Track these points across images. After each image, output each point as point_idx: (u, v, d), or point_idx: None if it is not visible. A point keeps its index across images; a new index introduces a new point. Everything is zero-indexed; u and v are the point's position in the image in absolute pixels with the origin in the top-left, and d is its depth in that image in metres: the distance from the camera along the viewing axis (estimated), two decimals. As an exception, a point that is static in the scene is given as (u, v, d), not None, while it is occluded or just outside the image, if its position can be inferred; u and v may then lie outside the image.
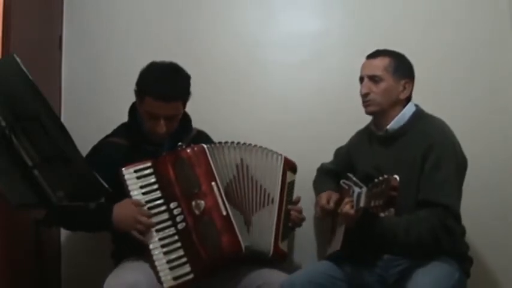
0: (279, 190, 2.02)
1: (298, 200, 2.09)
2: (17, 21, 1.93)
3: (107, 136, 2.02)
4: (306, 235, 2.42)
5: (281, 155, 2.09)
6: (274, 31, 2.50)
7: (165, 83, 1.88)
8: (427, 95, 2.26)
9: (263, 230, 1.95)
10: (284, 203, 2.03)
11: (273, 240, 1.95)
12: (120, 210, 1.81)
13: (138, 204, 1.81)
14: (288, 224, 2.05)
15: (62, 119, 2.27)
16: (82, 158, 1.64)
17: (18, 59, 1.49)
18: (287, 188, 2.06)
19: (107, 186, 1.64)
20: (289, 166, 2.10)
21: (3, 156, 1.56)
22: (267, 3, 2.52)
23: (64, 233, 2.40)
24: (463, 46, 2.44)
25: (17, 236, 1.96)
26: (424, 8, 2.47)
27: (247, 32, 2.50)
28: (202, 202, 1.81)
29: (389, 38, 2.41)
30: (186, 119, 2.05)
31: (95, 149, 1.97)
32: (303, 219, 2.09)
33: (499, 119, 2.41)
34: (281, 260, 2.01)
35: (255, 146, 2.04)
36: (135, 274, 1.74)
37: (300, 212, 2.08)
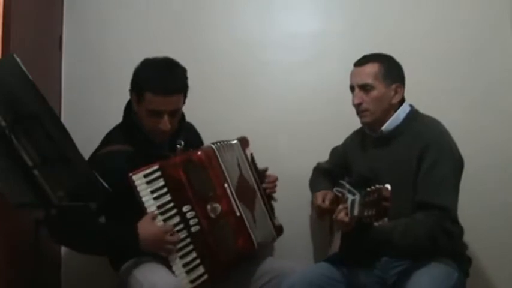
0: (251, 176, 2.02)
1: (266, 169, 2.10)
2: (17, 21, 1.92)
3: (106, 143, 1.93)
4: (303, 236, 2.43)
5: (232, 140, 2.01)
6: (274, 31, 2.50)
7: (164, 76, 1.84)
8: (427, 96, 2.26)
9: (264, 222, 1.98)
10: (259, 184, 2.04)
11: (271, 225, 2.03)
12: (147, 235, 1.76)
13: (155, 217, 1.78)
14: (270, 199, 2.10)
15: (62, 119, 2.27)
16: (82, 158, 1.63)
17: (18, 59, 1.49)
18: (254, 166, 2.06)
19: (107, 186, 1.63)
20: (244, 143, 2.06)
21: (3, 156, 1.56)
22: (267, 3, 2.52)
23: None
24: (463, 46, 2.44)
25: (17, 236, 1.96)
26: (424, 9, 2.47)
27: (247, 32, 2.51)
28: (218, 205, 1.81)
29: (389, 38, 2.41)
30: (182, 115, 2.02)
31: (100, 162, 1.84)
32: (276, 185, 2.13)
33: (499, 120, 2.41)
34: (281, 234, 2.10)
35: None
36: (171, 275, 1.76)
37: (274, 182, 2.11)
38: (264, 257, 2.02)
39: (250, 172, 2.00)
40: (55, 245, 2.36)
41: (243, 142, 2.05)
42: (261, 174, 2.07)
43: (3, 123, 1.54)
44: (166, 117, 1.84)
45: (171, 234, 1.78)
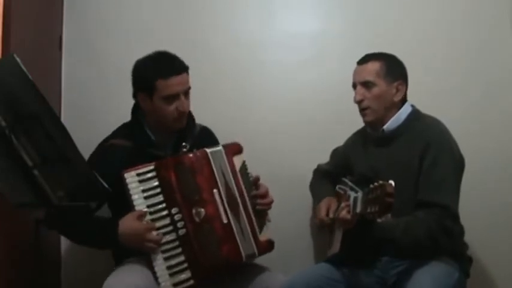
0: (234, 186, 1.87)
1: (257, 179, 1.96)
2: (17, 21, 1.92)
3: (109, 138, 1.96)
4: (303, 237, 2.43)
5: (217, 146, 1.90)
6: (274, 31, 2.50)
7: (167, 60, 1.88)
8: (427, 96, 2.26)
9: (247, 234, 1.87)
10: (246, 195, 1.89)
11: (252, 240, 1.86)
12: (126, 230, 1.76)
13: (141, 215, 1.77)
14: (258, 212, 1.92)
15: (62, 119, 2.27)
16: (82, 158, 1.64)
17: (18, 59, 1.50)
18: (240, 175, 1.90)
19: (107, 186, 1.63)
20: (233, 151, 1.93)
21: (3, 156, 1.56)
22: (267, 3, 2.52)
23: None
24: (463, 46, 2.45)
25: (17, 236, 1.96)
26: (424, 9, 2.47)
27: (247, 32, 2.51)
28: (203, 210, 1.77)
29: (389, 38, 2.41)
30: (190, 117, 2.02)
31: (99, 153, 1.91)
32: (271, 201, 1.96)
33: (499, 120, 2.42)
34: (269, 250, 1.93)
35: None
36: (135, 277, 1.71)
37: (264, 197, 1.94)
38: (261, 271, 1.90)
39: (233, 181, 1.88)
40: (55, 245, 2.37)
41: (231, 149, 1.92)
42: (250, 184, 1.94)
43: (3, 123, 1.54)
44: (182, 98, 1.87)
45: (157, 234, 1.77)
